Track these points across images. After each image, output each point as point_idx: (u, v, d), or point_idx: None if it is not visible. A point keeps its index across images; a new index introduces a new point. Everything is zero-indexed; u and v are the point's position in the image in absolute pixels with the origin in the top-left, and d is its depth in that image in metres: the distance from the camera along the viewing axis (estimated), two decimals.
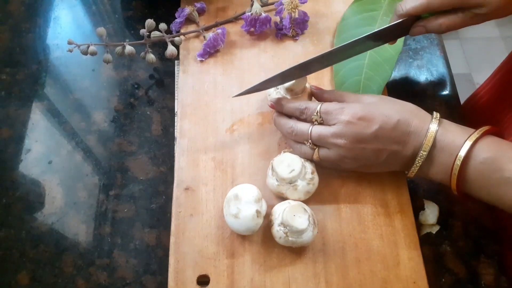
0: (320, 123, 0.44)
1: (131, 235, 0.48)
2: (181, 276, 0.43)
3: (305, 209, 0.42)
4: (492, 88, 0.62)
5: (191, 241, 0.45)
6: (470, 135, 0.39)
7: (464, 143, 0.39)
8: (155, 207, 0.50)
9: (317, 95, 0.48)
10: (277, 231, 0.42)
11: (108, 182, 0.51)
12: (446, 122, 0.42)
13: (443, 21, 0.43)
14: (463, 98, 0.64)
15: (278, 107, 0.47)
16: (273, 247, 0.44)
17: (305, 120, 0.45)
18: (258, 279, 0.43)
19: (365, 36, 0.45)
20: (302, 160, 0.45)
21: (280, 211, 0.42)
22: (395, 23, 0.45)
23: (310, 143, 0.44)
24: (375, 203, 0.47)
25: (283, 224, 0.41)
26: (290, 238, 0.42)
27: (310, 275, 0.43)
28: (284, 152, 0.46)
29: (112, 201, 0.50)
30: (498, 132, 0.41)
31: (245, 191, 0.43)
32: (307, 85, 0.49)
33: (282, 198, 0.45)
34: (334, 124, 0.42)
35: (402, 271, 0.43)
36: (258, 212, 0.42)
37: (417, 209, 0.48)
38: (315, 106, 0.44)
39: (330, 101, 0.45)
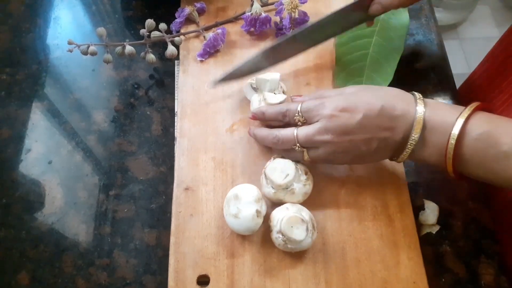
0: (304, 123, 0.43)
1: (131, 235, 0.48)
2: (181, 276, 0.43)
3: (302, 219, 0.41)
4: (484, 72, 0.62)
5: (191, 241, 0.45)
6: (462, 112, 0.38)
7: (456, 120, 0.38)
8: (155, 207, 0.50)
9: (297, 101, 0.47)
10: (276, 238, 0.42)
11: (108, 182, 0.51)
12: (431, 101, 0.41)
13: None
14: None
15: (260, 116, 0.47)
16: (273, 247, 0.44)
17: (289, 123, 0.45)
18: (258, 279, 0.43)
19: (328, 16, 0.45)
20: (294, 163, 0.45)
21: (278, 219, 0.42)
22: (353, 3, 0.45)
23: (298, 147, 0.43)
24: (375, 203, 0.47)
25: (281, 233, 0.41)
26: (289, 246, 0.42)
27: (310, 275, 0.43)
28: (274, 158, 0.46)
29: (112, 201, 0.50)
30: (488, 107, 0.40)
31: (245, 191, 0.43)
32: (283, 96, 0.48)
33: (280, 203, 0.45)
34: (317, 121, 0.41)
35: (402, 271, 0.43)
36: (258, 212, 0.42)
37: (417, 209, 0.48)
38: (295, 106, 0.43)
39: (313, 99, 0.44)
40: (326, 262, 0.44)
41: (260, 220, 0.43)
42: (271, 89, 0.49)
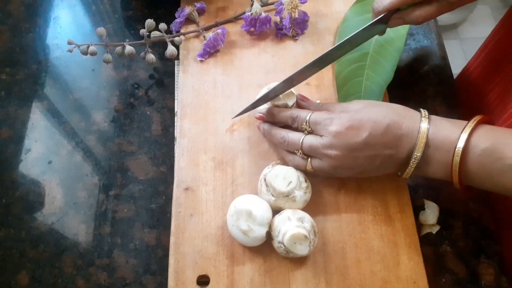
0: (310, 132, 0.44)
1: (131, 235, 0.48)
2: (181, 276, 0.43)
3: (306, 236, 0.40)
4: (479, 65, 0.62)
5: (191, 241, 0.45)
6: (464, 128, 0.39)
7: (460, 136, 0.38)
8: (155, 207, 0.50)
9: (304, 107, 0.48)
10: (278, 247, 0.42)
11: (108, 182, 0.51)
12: (435, 118, 0.41)
13: (419, 12, 0.43)
14: None
15: (269, 117, 0.48)
16: (273, 247, 0.44)
17: (296, 129, 0.45)
18: (258, 279, 0.43)
19: (349, 38, 0.45)
20: (295, 170, 0.44)
21: (280, 231, 0.41)
22: (374, 21, 0.45)
23: (300, 153, 0.44)
24: (375, 203, 0.47)
25: (283, 244, 0.41)
26: (290, 255, 0.42)
27: (310, 275, 0.43)
28: (274, 165, 0.46)
29: (112, 201, 0.50)
30: (490, 120, 0.40)
31: (260, 211, 0.42)
32: (294, 91, 0.48)
33: (279, 210, 0.44)
34: (323, 136, 0.42)
35: (402, 271, 0.43)
36: (267, 233, 0.42)
37: (417, 209, 0.48)
38: (305, 115, 0.44)
39: (318, 109, 0.45)
40: (326, 262, 0.44)
41: (265, 238, 0.43)
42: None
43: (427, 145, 0.40)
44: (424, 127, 0.40)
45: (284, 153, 0.47)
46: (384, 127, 0.40)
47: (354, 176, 0.45)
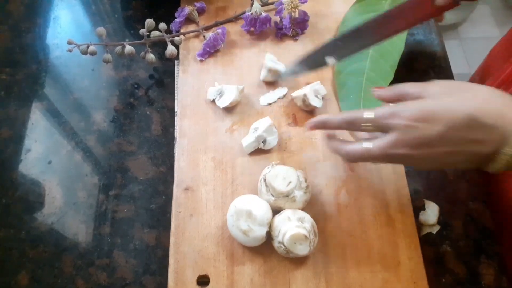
0: (373, 131, 0.38)
1: (131, 235, 0.48)
2: (181, 276, 0.43)
3: (306, 236, 0.40)
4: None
5: (191, 241, 0.45)
6: None
7: None
8: (155, 207, 0.50)
9: (380, 97, 0.41)
10: (278, 247, 0.42)
11: (108, 182, 0.51)
12: None
13: None
14: None
15: (320, 126, 0.43)
16: (273, 247, 0.44)
17: (357, 130, 0.40)
18: (258, 279, 0.43)
19: (394, 8, 0.42)
20: (295, 169, 0.44)
21: (280, 231, 0.41)
22: None
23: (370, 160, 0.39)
24: (375, 203, 0.47)
25: (283, 244, 0.41)
26: (290, 255, 0.42)
27: (310, 275, 0.43)
28: (274, 165, 0.45)
29: (112, 201, 0.50)
30: None
31: (260, 211, 0.42)
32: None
33: (279, 210, 0.44)
34: (390, 132, 0.36)
35: (402, 271, 0.43)
36: (267, 233, 0.42)
37: (417, 209, 0.48)
38: (363, 114, 0.38)
39: (391, 98, 0.39)
40: (326, 262, 0.44)
41: (265, 238, 0.43)
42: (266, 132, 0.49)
43: None
44: None
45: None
46: (464, 117, 0.33)
47: (431, 169, 0.40)
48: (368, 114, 0.37)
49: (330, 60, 0.45)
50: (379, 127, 0.37)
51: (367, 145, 0.37)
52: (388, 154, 0.37)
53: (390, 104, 0.39)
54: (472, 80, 0.65)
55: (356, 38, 0.44)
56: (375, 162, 0.39)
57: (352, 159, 0.40)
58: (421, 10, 0.42)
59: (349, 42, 0.44)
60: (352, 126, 0.39)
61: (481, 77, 0.61)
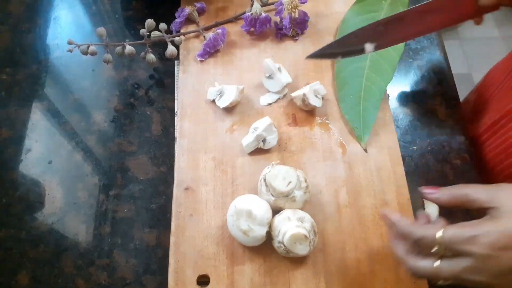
0: (444, 254, 0.33)
1: (131, 235, 0.48)
2: (181, 276, 0.43)
3: (306, 236, 0.40)
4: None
5: (191, 241, 0.45)
6: None
7: None
8: (155, 207, 0.50)
9: (431, 199, 0.37)
10: (278, 247, 0.42)
11: (108, 182, 0.51)
12: None
13: None
14: (463, 98, 0.64)
15: (388, 223, 0.37)
16: (273, 247, 0.44)
17: (425, 250, 0.34)
18: (258, 279, 0.43)
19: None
20: (294, 169, 0.44)
21: (280, 231, 0.41)
22: None
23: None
24: (375, 203, 0.47)
25: (283, 244, 0.41)
26: (290, 254, 0.42)
27: (310, 275, 0.43)
28: (274, 165, 0.45)
29: (112, 201, 0.50)
30: None
31: (260, 211, 0.42)
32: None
33: (279, 210, 0.44)
34: (465, 256, 0.31)
35: (402, 271, 0.43)
36: (267, 233, 0.42)
37: (417, 209, 0.48)
38: (433, 233, 0.33)
39: (452, 202, 0.35)
40: (326, 262, 0.44)
41: (265, 238, 0.43)
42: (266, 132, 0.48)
43: None
44: None
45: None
46: None
47: None
48: (439, 233, 0.32)
49: (370, 47, 0.42)
50: (452, 250, 0.32)
51: (438, 264, 0.33)
52: (461, 278, 0.32)
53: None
54: (470, 101, 0.64)
55: (398, 27, 0.41)
56: (445, 282, 0.34)
57: (418, 275, 0.35)
58: (462, 8, 0.41)
59: (391, 30, 0.41)
60: (418, 242, 0.34)
61: (481, 102, 0.60)
